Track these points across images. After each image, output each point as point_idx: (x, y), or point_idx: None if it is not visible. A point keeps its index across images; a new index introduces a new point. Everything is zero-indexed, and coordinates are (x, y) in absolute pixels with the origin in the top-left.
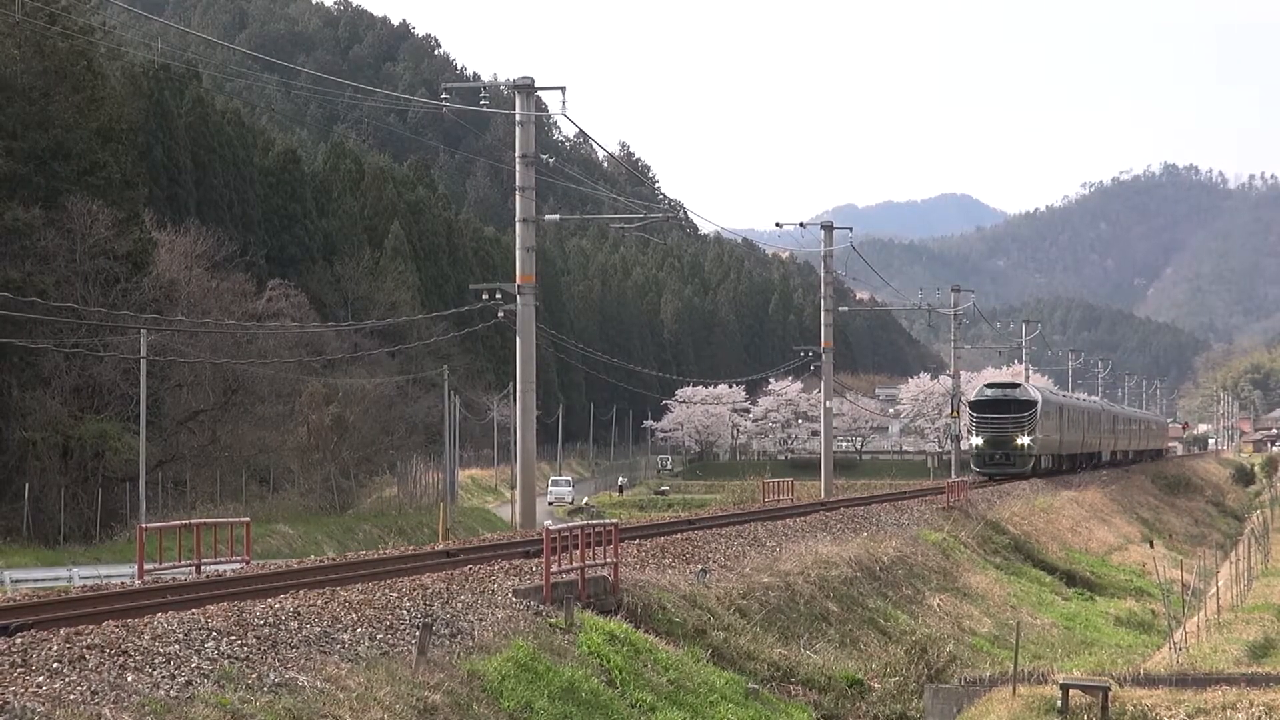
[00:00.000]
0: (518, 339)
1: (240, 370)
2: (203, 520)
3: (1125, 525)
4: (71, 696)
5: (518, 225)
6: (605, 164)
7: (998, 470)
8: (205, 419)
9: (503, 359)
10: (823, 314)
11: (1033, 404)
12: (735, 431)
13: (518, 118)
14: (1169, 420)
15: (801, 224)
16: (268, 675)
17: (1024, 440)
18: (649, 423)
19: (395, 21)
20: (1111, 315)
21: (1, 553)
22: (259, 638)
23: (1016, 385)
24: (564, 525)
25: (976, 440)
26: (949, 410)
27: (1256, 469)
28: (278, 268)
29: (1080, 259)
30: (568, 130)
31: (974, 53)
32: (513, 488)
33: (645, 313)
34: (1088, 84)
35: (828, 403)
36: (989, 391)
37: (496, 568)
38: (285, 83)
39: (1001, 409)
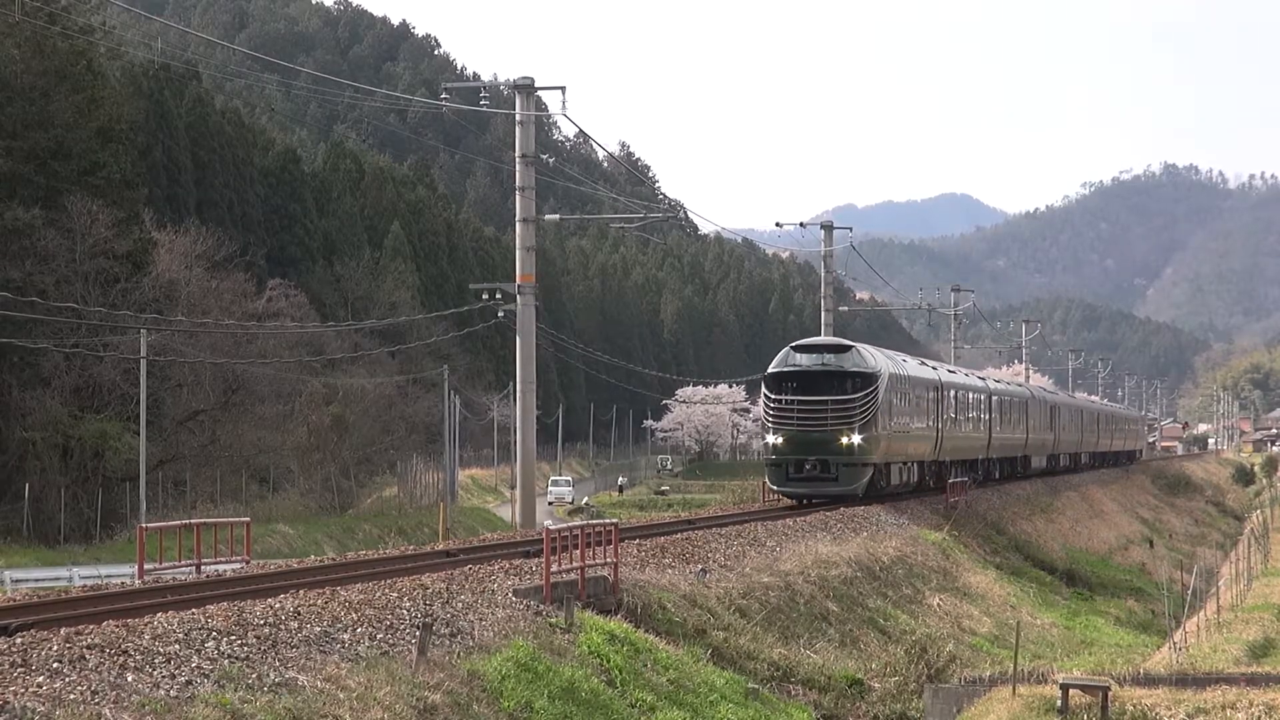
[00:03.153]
0: (518, 339)
1: (240, 370)
2: (203, 520)
3: (1126, 525)
4: (71, 696)
5: (518, 225)
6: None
7: (808, 490)
8: (205, 419)
9: (503, 359)
10: (823, 314)
11: (869, 378)
12: (735, 431)
13: (518, 118)
14: (1147, 415)
15: (801, 224)
16: (268, 675)
17: (852, 440)
18: (649, 423)
19: (395, 21)
20: (1111, 315)
21: (1, 553)
22: (259, 638)
23: (844, 348)
24: (564, 525)
25: (774, 439)
26: None
27: (1256, 469)
28: (278, 268)
29: (1080, 259)
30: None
31: (974, 52)
32: (513, 488)
33: (645, 313)
34: (1088, 84)
35: None
36: (799, 359)
37: (496, 568)
38: (285, 83)
39: (816, 386)
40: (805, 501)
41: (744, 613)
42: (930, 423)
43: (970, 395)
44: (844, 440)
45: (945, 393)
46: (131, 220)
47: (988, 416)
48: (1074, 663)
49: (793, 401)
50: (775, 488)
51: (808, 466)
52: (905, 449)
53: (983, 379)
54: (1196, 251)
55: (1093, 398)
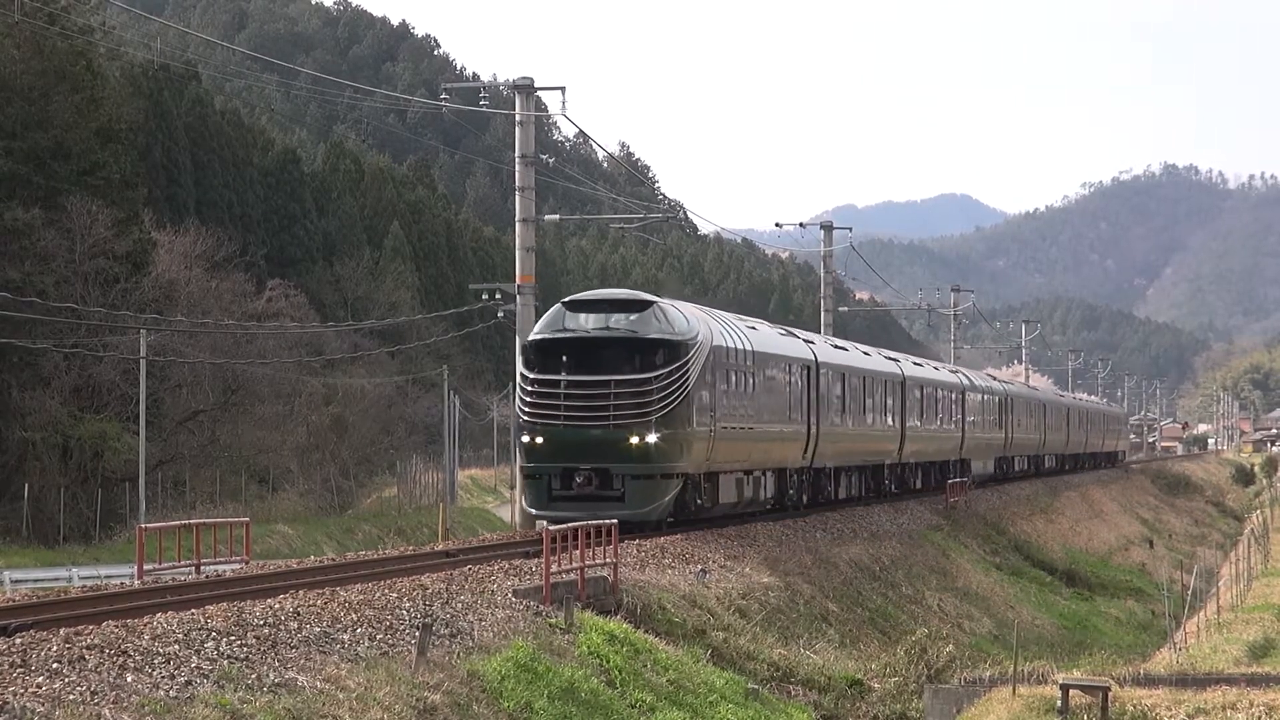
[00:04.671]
0: (517, 339)
1: (240, 370)
2: (202, 520)
3: (1126, 525)
4: (71, 697)
5: (518, 225)
6: (605, 164)
7: (580, 513)
8: (205, 419)
9: (503, 359)
10: (822, 314)
11: (678, 349)
12: None
13: (518, 118)
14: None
15: (801, 224)
16: (268, 675)
17: (647, 440)
18: None
19: (395, 21)
20: (1111, 315)
21: (1, 553)
22: (259, 638)
23: (641, 304)
24: (564, 525)
25: (531, 440)
26: None
27: (1256, 469)
28: (277, 268)
29: (1080, 259)
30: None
31: (974, 53)
32: (512, 488)
33: None
34: (1088, 84)
35: None
36: (575, 320)
37: (496, 568)
38: (285, 83)
39: (596, 361)
40: None
41: (744, 613)
42: (798, 416)
43: (870, 380)
44: (634, 441)
45: (824, 375)
46: (131, 220)
47: (900, 409)
48: (1074, 663)
49: (559, 384)
50: (533, 511)
51: (579, 480)
52: (747, 453)
53: (895, 359)
54: (1196, 251)
55: (1063, 393)
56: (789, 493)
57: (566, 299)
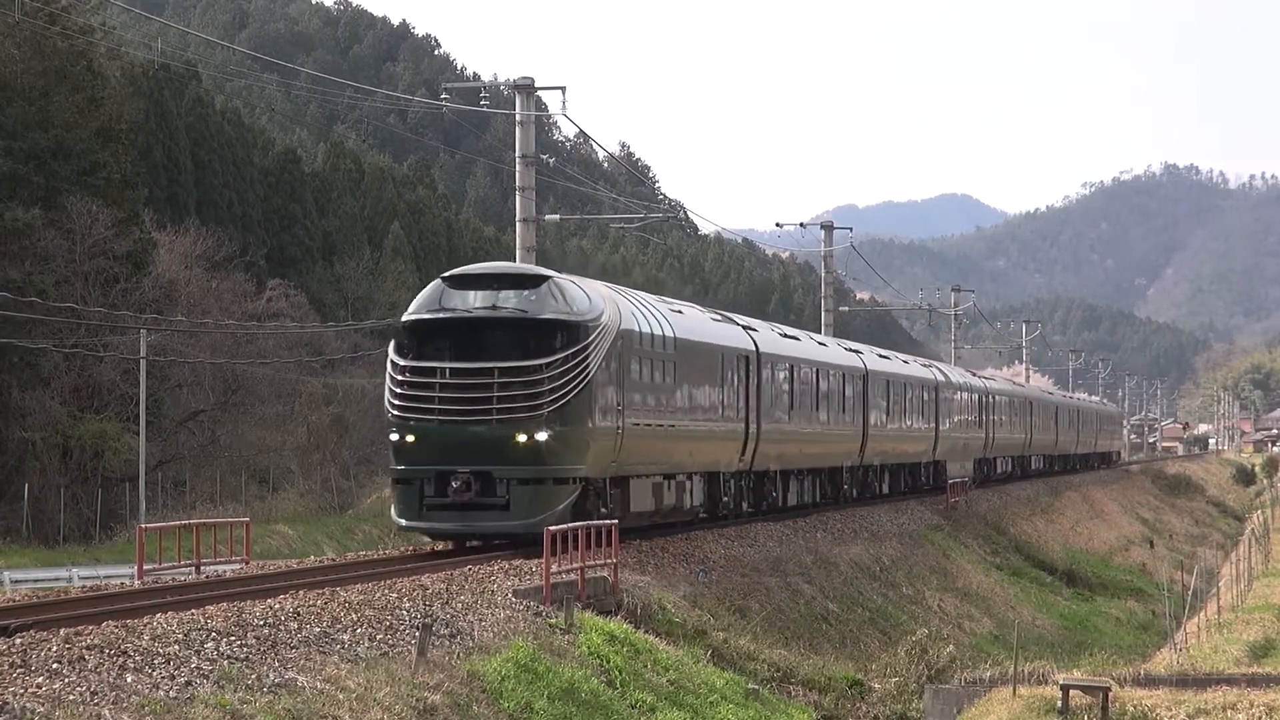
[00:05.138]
0: None
1: (240, 370)
2: (202, 520)
3: (1126, 525)
4: (71, 697)
5: (518, 225)
6: (605, 164)
7: (457, 525)
8: (205, 419)
9: None
10: (823, 314)
11: (577, 331)
12: None
13: (518, 118)
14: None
15: (801, 224)
16: (267, 676)
17: (538, 439)
18: None
19: (395, 21)
20: (1111, 315)
21: (1, 553)
22: (259, 638)
23: (535, 279)
24: (564, 525)
25: (401, 438)
26: None
27: (1257, 469)
28: (278, 268)
29: (1080, 259)
30: (568, 130)
31: (974, 53)
32: None
33: None
34: (1088, 84)
35: None
36: (456, 298)
37: (496, 568)
38: (285, 83)
39: (480, 345)
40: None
41: (744, 613)
42: (734, 413)
43: (823, 374)
44: (522, 439)
45: (766, 367)
46: (131, 220)
47: (862, 406)
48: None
49: (434, 371)
50: (402, 523)
51: (455, 485)
52: (666, 454)
53: (857, 350)
54: (1196, 251)
55: (1052, 390)
56: (723, 499)
57: (447, 273)
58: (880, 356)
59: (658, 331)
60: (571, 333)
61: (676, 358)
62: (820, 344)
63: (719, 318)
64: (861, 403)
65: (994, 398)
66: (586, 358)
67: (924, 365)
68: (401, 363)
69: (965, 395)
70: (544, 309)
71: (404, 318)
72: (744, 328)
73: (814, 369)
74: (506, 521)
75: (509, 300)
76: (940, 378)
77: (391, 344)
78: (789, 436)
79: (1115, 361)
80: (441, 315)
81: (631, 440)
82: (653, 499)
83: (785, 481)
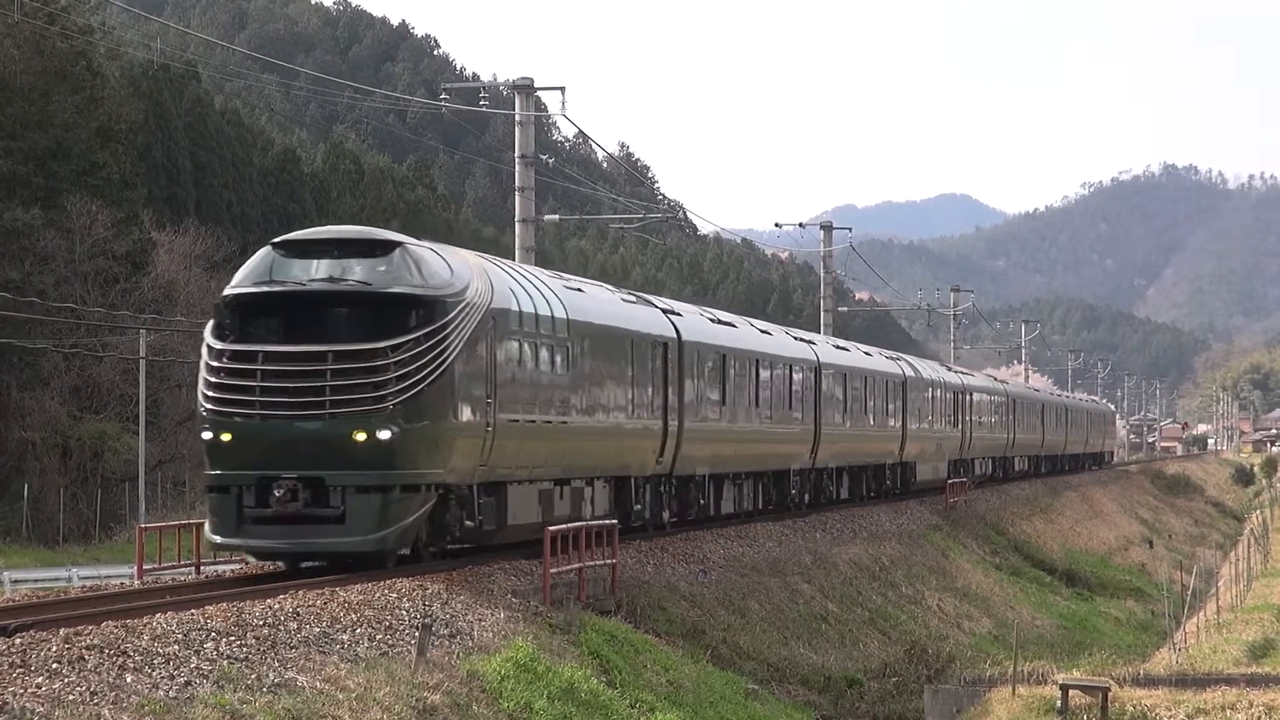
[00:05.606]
0: None
1: None
2: (202, 520)
3: (1125, 525)
4: (71, 697)
5: (517, 225)
6: (605, 164)
7: (282, 544)
8: None
9: None
10: (822, 314)
11: (431, 307)
12: None
13: (517, 118)
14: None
15: (801, 224)
16: (267, 675)
17: (379, 436)
18: None
19: (395, 21)
20: (1111, 315)
21: (1, 553)
22: (258, 638)
23: (384, 245)
24: (564, 525)
25: (215, 436)
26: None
27: (1256, 469)
28: None
29: (1080, 259)
30: (567, 130)
31: (974, 53)
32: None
33: None
34: (1088, 84)
35: None
36: (300, 269)
37: (496, 568)
38: (285, 83)
39: (313, 325)
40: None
41: (744, 613)
42: (646, 409)
43: (763, 364)
44: (361, 437)
45: (690, 356)
46: (131, 220)
47: (814, 402)
48: (1074, 663)
49: (255, 356)
50: (217, 539)
51: (279, 495)
52: (557, 456)
53: (809, 341)
54: (1196, 251)
55: (1038, 387)
56: (635, 508)
57: (278, 239)
58: (837, 348)
59: (544, 311)
60: (426, 309)
61: (570, 342)
62: (763, 332)
63: (632, 299)
64: (813, 398)
65: (971, 395)
66: (445, 340)
67: (890, 358)
68: (218, 346)
69: (938, 391)
70: (394, 281)
71: (224, 291)
72: (664, 311)
73: (751, 360)
74: (342, 538)
75: (353, 271)
76: (909, 372)
77: (209, 324)
78: (720, 435)
79: (1115, 361)
80: (269, 289)
81: (506, 439)
82: (539, 509)
83: (717, 487)
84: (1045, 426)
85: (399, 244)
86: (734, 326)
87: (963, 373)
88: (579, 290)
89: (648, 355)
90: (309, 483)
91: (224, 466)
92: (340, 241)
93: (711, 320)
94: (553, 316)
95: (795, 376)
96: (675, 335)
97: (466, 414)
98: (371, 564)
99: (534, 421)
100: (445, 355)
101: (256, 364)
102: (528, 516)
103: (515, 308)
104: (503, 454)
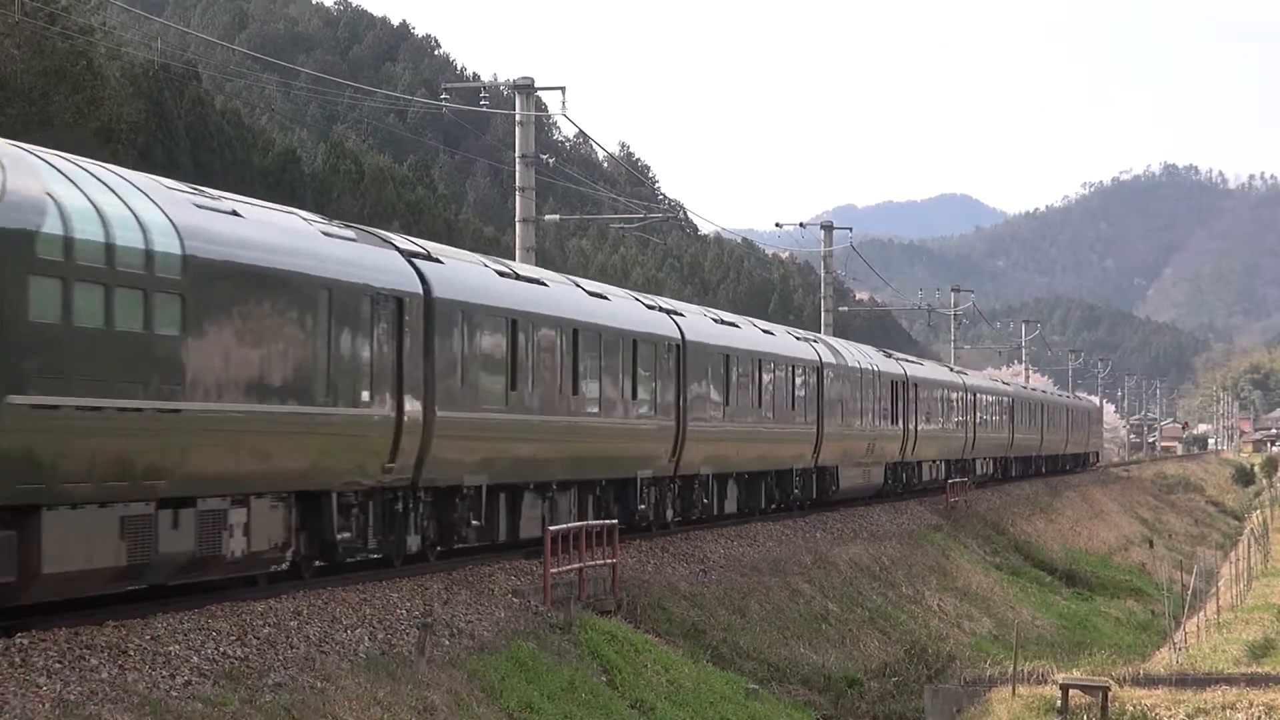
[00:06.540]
0: None
1: None
2: None
3: (1125, 525)
4: (71, 697)
5: (518, 225)
6: (605, 164)
7: None
8: None
9: None
10: (822, 314)
11: None
12: None
13: (518, 118)
14: (1094, 406)
15: (801, 224)
16: (268, 675)
17: None
18: None
19: (395, 21)
20: (1111, 315)
21: None
22: (259, 638)
23: None
24: (564, 525)
25: None
26: None
27: (1256, 469)
28: None
29: (1080, 259)
30: (568, 130)
31: (974, 52)
32: None
33: None
34: (1088, 84)
35: None
36: None
37: (496, 568)
38: (285, 83)
39: None
40: None
41: (744, 613)
42: (372, 394)
43: (586, 340)
44: None
45: (439, 319)
46: None
47: (676, 390)
48: (1074, 663)
49: None
50: None
51: None
52: (167, 457)
53: (671, 311)
54: (1196, 251)
55: (1008, 381)
56: (339, 538)
57: None
58: (714, 321)
59: (125, 242)
60: None
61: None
62: (595, 295)
63: (357, 231)
64: (675, 385)
65: (917, 387)
66: None
67: (799, 339)
68: None
69: (871, 381)
70: None
71: None
72: (408, 256)
73: (559, 331)
74: None
75: None
76: (828, 357)
77: None
78: (492, 431)
79: (1115, 361)
80: None
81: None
82: (124, 547)
83: (512, 503)
84: (1014, 425)
85: None
86: (543, 285)
87: (907, 360)
88: (235, 210)
89: (371, 318)
90: None
91: None
92: None
93: (500, 273)
94: (136, 246)
95: (641, 355)
96: (420, 287)
97: None
98: None
99: (102, 411)
100: None
101: None
102: (95, 561)
103: (79, 236)
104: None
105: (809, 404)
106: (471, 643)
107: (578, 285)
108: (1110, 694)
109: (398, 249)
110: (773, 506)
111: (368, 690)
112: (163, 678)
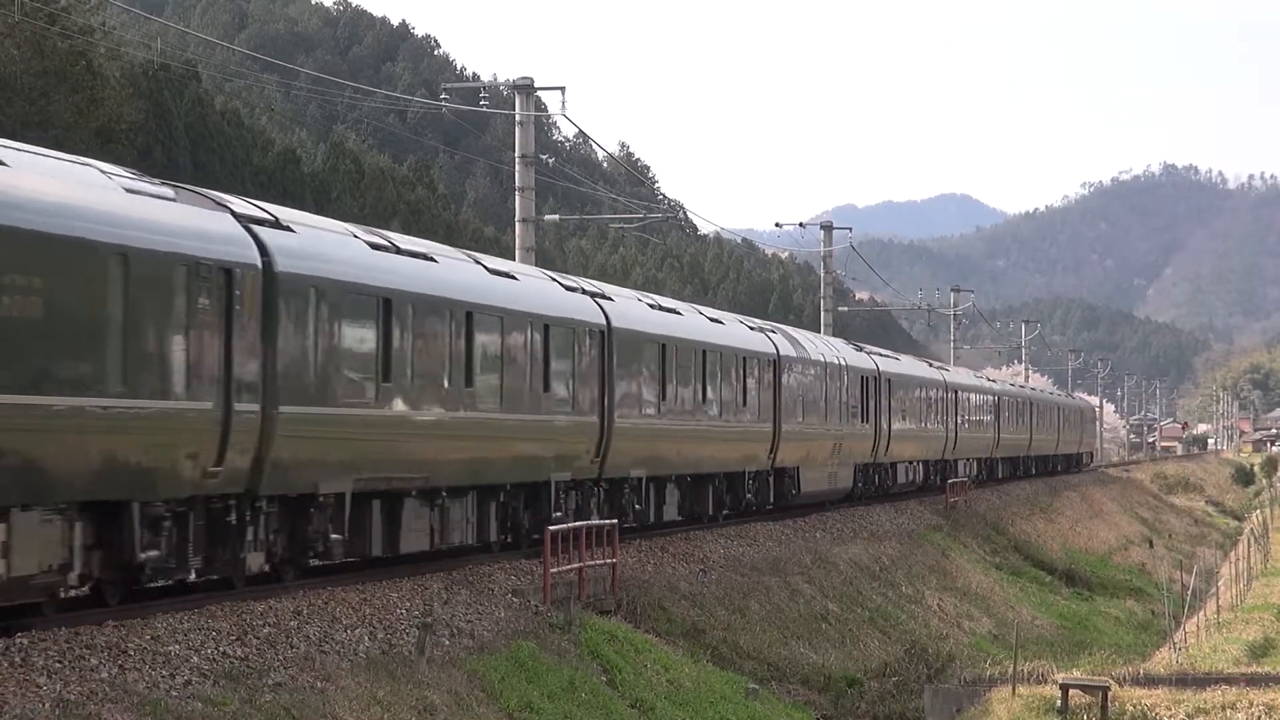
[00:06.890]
0: None
1: None
2: None
3: (1125, 525)
4: (71, 696)
5: (517, 225)
6: (605, 164)
7: None
8: None
9: None
10: (822, 314)
11: None
12: None
13: (517, 118)
14: (1089, 405)
15: (801, 224)
16: (268, 675)
17: None
18: None
19: (395, 21)
20: (1111, 315)
21: None
22: (259, 638)
23: None
24: (564, 525)
25: None
26: None
27: (1256, 469)
28: None
29: (1080, 259)
30: (568, 130)
31: (974, 52)
32: None
33: None
34: (1088, 84)
35: None
36: None
37: (496, 568)
38: (285, 83)
39: None
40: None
41: (744, 612)
42: (197, 386)
43: (482, 326)
44: None
45: (282, 299)
46: None
47: (599, 382)
48: (1074, 663)
49: None
50: None
51: None
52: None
53: (597, 294)
54: (1196, 251)
55: (992, 378)
56: (131, 558)
57: None
58: (650, 307)
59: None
60: None
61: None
62: (499, 273)
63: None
64: (599, 376)
65: (890, 383)
66: None
67: (754, 329)
68: None
69: (837, 376)
70: None
71: None
72: (245, 223)
73: (449, 314)
74: None
75: None
76: (786, 349)
77: None
78: (357, 429)
79: (1114, 361)
80: None
81: None
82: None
83: (390, 512)
84: (1000, 424)
85: None
86: (430, 259)
87: (881, 354)
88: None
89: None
90: None
91: None
92: None
93: (372, 245)
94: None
95: (554, 346)
96: (261, 260)
97: None
98: None
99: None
100: None
101: None
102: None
103: None
104: None
105: (763, 400)
106: (471, 642)
107: (478, 262)
108: (1110, 694)
109: (233, 213)
110: (724, 513)
111: (368, 690)
112: (163, 677)
